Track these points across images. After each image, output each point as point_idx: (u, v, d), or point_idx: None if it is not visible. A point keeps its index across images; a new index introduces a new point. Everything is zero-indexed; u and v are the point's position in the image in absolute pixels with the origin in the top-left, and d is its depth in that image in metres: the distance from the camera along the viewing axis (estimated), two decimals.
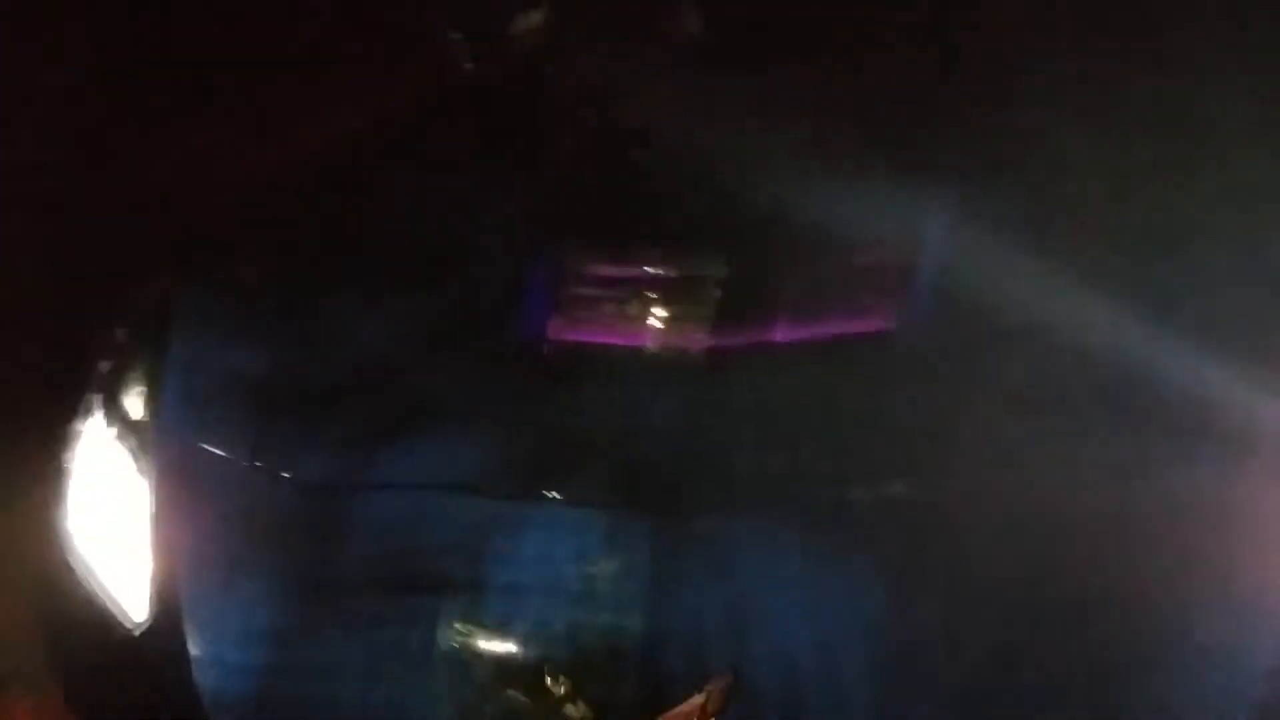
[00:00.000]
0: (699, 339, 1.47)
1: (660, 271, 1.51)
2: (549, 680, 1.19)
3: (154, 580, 1.50)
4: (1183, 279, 1.46)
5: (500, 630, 1.27)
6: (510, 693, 1.19)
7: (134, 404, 1.60)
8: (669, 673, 1.14)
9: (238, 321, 1.71)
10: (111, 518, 1.53)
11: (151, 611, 1.49)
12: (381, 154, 1.98)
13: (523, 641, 1.24)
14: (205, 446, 1.58)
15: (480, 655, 1.25)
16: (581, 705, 1.14)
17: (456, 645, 1.27)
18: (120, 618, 1.48)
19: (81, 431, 1.61)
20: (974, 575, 1.16)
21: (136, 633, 1.47)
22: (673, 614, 1.18)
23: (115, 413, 1.60)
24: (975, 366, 1.37)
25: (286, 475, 1.52)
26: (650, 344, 1.46)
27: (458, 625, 1.27)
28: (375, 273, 1.73)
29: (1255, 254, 1.47)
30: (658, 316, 1.46)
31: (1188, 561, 1.13)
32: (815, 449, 1.29)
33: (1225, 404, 1.21)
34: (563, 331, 1.50)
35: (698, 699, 1.02)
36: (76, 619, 1.50)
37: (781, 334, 1.46)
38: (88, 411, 1.64)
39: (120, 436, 1.59)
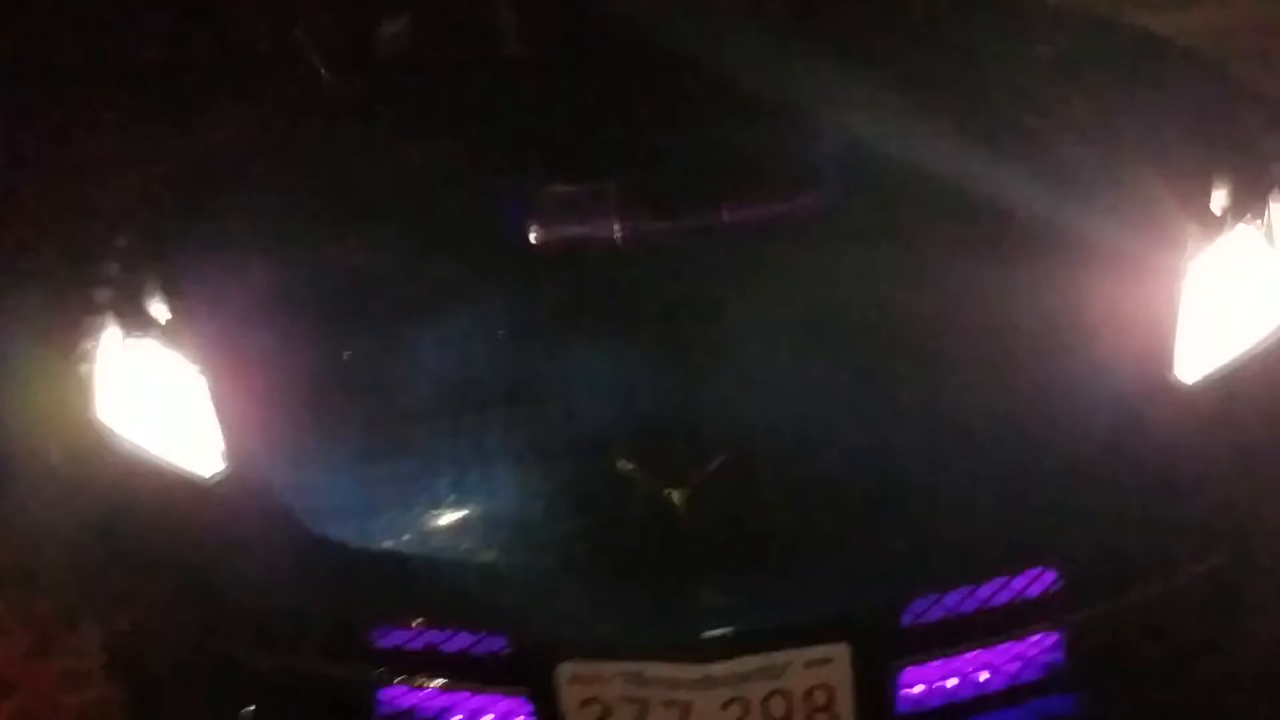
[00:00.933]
0: (658, 227, 1.65)
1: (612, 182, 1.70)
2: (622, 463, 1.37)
3: (220, 440, 1.56)
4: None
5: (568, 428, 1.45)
6: (618, 464, 1.38)
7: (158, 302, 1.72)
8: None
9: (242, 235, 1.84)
10: (157, 408, 1.62)
11: (224, 465, 1.55)
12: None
13: (593, 436, 1.43)
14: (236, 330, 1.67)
15: (555, 450, 1.43)
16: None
17: (531, 448, 1.44)
18: (193, 476, 1.55)
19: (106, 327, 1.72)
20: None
21: (213, 482, 1.54)
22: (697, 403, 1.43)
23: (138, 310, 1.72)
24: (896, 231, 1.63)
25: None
26: (617, 235, 1.64)
27: (528, 431, 1.46)
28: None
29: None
30: (619, 212, 1.65)
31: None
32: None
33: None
34: (537, 232, 1.68)
35: None
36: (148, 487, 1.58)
37: (729, 215, 1.65)
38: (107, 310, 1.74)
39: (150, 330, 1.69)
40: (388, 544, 1.44)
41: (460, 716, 1.46)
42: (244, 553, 1.50)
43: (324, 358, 1.60)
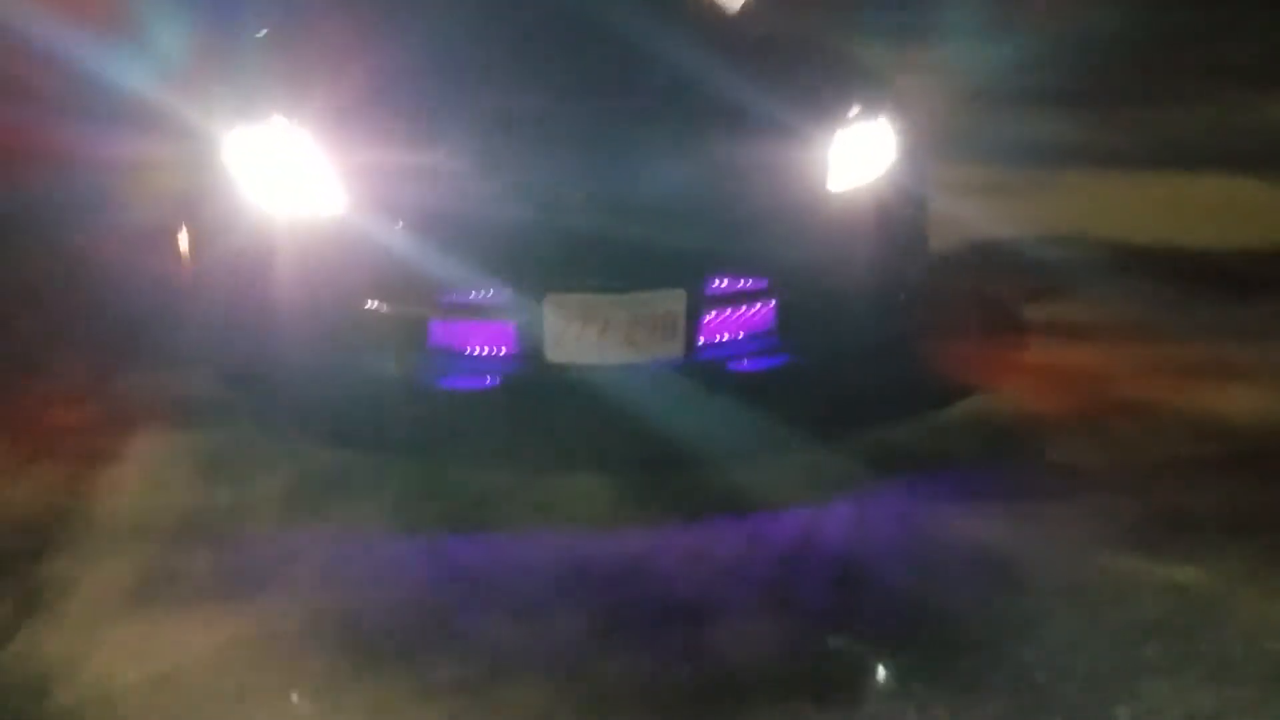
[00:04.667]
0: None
1: None
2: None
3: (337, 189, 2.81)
4: None
5: None
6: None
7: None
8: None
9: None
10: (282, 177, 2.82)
11: (346, 203, 2.80)
12: None
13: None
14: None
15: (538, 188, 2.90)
16: None
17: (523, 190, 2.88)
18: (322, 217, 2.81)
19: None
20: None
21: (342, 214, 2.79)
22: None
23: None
24: None
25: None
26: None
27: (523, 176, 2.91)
28: None
29: None
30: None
31: None
32: None
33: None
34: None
35: None
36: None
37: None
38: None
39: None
40: (444, 237, 2.77)
41: (476, 337, 2.83)
42: (363, 255, 2.81)
43: (396, 130, 2.90)
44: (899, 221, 3.23)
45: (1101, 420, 3.13)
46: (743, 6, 4.21)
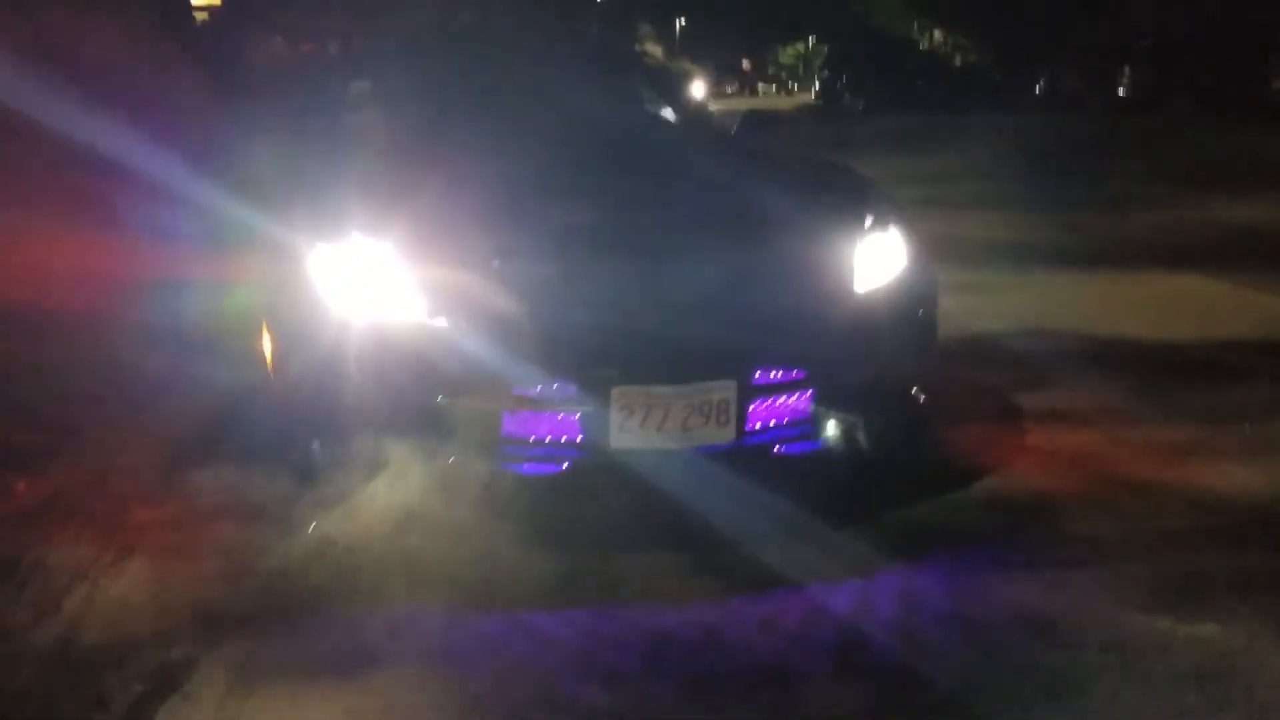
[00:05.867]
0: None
1: None
2: None
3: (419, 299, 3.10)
4: None
5: None
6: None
7: None
8: None
9: None
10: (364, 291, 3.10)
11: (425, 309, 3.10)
12: None
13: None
14: None
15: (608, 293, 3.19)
16: None
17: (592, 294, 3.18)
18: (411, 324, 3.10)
19: None
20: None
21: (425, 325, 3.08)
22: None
23: None
24: None
25: None
26: None
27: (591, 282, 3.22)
28: None
29: None
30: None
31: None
32: None
33: None
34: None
35: None
36: None
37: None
38: None
39: None
40: (516, 338, 3.01)
41: (544, 427, 3.06)
42: (440, 355, 3.04)
43: (472, 246, 3.16)
44: (913, 318, 3.56)
45: (1108, 497, 3.42)
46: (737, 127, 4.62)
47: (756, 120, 4.77)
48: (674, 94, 4.90)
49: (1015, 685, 2.46)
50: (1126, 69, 23.07)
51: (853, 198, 3.73)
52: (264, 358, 3.31)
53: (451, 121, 3.94)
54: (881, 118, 21.29)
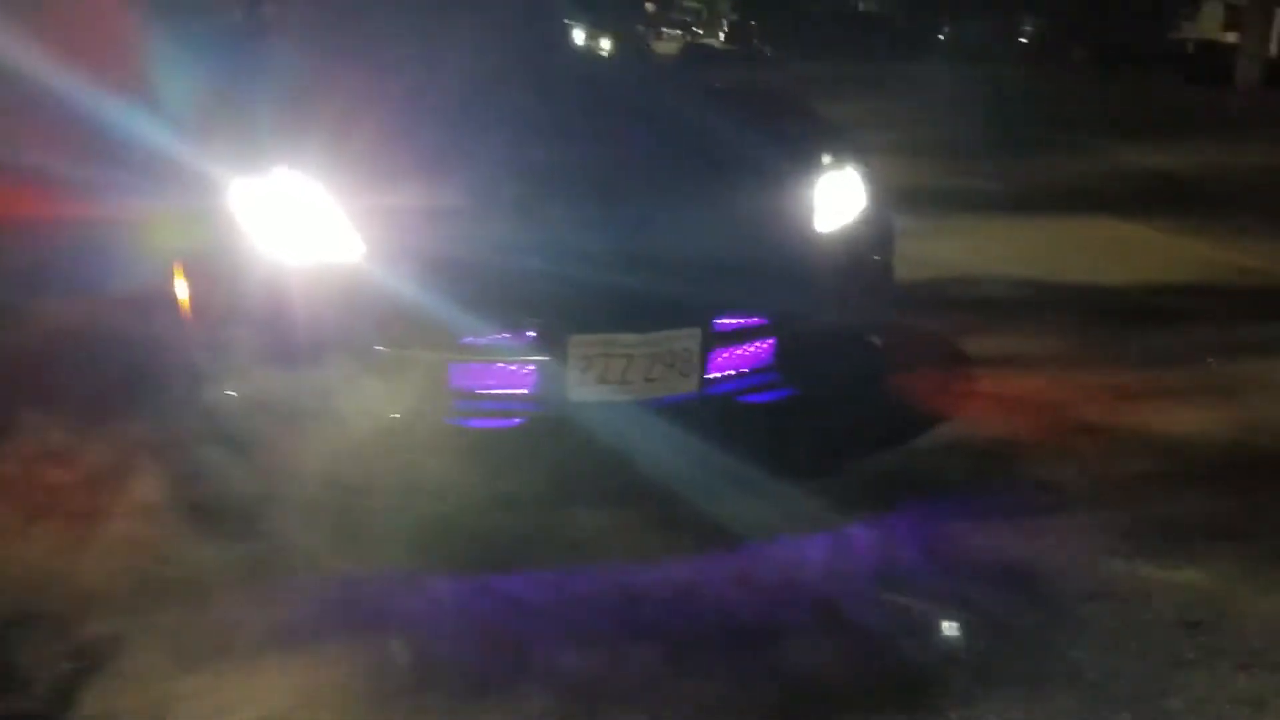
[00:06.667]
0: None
1: None
2: None
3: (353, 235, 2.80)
4: None
5: None
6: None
7: None
8: None
9: None
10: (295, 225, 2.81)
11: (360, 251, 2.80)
12: None
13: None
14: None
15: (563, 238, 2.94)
16: None
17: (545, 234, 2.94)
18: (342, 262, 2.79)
19: None
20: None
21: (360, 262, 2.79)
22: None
23: None
24: None
25: None
26: None
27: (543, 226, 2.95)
28: None
29: None
30: None
31: None
32: None
33: None
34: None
35: None
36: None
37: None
38: None
39: None
40: (465, 282, 2.81)
41: (496, 379, 2.87)
42: (383, 298, 2.81)
43: (412, 181, 2.92)
44: (871, 261, 3.43)
45: (1068, 442, 3.37)
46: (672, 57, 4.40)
47: (693, 55, 4.58)
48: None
49: (1006, 634, 2.38)
50: (1029, 18, 23.40)
51: (809, 133, 3.59)
52: (178, 302, 3.03)
53: (382, 52, 3.67)
54: (799, 64, 21.21)
